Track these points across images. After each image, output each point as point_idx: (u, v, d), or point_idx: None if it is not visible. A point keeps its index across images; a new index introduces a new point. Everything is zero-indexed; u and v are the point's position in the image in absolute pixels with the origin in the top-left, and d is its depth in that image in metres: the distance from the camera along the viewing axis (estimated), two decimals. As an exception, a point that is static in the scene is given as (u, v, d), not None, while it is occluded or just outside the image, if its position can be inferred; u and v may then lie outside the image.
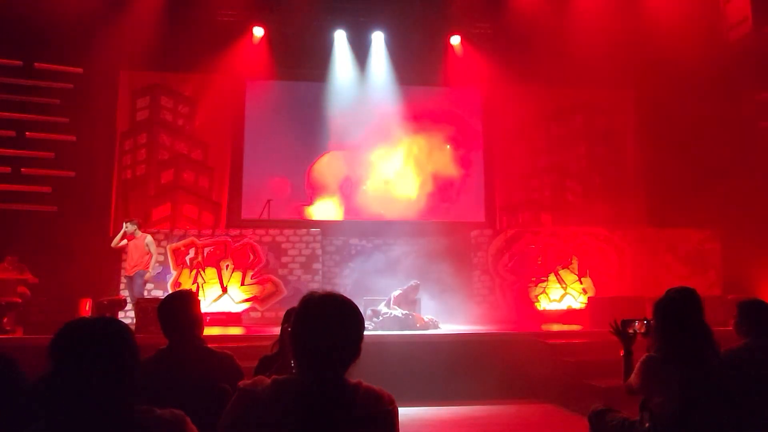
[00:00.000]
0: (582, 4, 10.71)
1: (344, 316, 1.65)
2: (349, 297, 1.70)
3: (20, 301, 8.06)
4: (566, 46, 10.41)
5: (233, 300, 9.59)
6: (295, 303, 1.79)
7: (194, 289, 9.26)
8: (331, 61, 11.49)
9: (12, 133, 10.09)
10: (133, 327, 7.58)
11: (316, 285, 9.52)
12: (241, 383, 1.64)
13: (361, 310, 1.72)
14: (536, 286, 10.06)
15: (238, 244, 9.71)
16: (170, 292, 4.65)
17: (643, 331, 3.16)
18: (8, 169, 10.00)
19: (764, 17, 9.61)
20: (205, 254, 9.65)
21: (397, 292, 8.12)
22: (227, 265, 9.64)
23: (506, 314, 9.84)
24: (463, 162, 11.86)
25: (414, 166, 11.69)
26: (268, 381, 1.61)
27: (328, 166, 11.54)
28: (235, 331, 8.15)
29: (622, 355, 3.22)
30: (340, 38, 11.53)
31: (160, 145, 11.05)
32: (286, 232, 9.88)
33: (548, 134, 12.10)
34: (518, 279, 10.07)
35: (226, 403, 1.64)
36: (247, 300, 9.63)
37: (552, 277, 10.12)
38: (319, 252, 9.93)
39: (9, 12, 9.35)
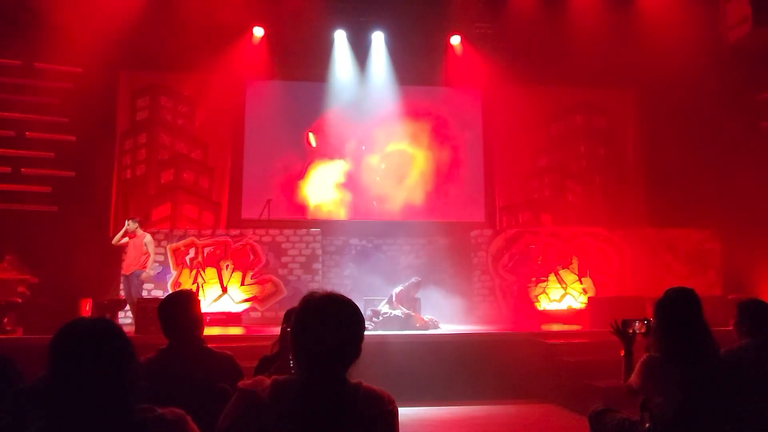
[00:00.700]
0: (582, 4, 10.71)
1: (344, 316, 1.65)
2: (349, 297, 1.70)
3: (20, 301, 8.07)
4: (566, 46, 10.42)
5: (233, 300, 9.59)
6: (295, 303, 1.79)
7: (194, 289, 9.26)
8: (331, 61, 11.49)
9: (12, 133, 10.08)
10: (132, 327, 7.61)
11: (316, 285, 9.52)
12: (240, 383, 1.64)
13: (361, 310, 1.72)
14: (536, 286, 10.06)
15: (238, 244, 9.71)
16: (170, 292, 4.65)
17: (643, 331, 3.16)
18: (8, 169, 10.00)
19: (764, 17, 9.61)
20: (205, 254, 9.65)
21: (398, 289, 8.13)
22: (227, 265, 9.64)
23: (506, 314, 9.84)
24: (463, 162, 11.86)
25: (414, 165, 11.69)
26: (268, 381, 1.61)
27: (327, 165, 11.53)
28: (235, 331, 8.15)
29: (623, 355, 3.22)
30: (340, 38, 11.53)
31: (160, 145, 11.05)
32: (286, 232, 9.88)
33: (548, 134, 12.10)
34: (518, 279, 10.07)
35: (226, 403, 1.64)
36: (247, 300, 9.63)
37: (552, 277, 10.12)
38: (319, 252, 9.93)
39: (9, 12, 9.35)
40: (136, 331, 7.22)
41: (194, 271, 9.59)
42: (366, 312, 7.77)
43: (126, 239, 8.45)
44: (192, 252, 9.63)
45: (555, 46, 10.54)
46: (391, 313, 7.79)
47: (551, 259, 10.18)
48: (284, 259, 9.74)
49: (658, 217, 11.05)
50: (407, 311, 7.84)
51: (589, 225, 10.71)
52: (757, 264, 9.76)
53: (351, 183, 11.45)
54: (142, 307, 7.32)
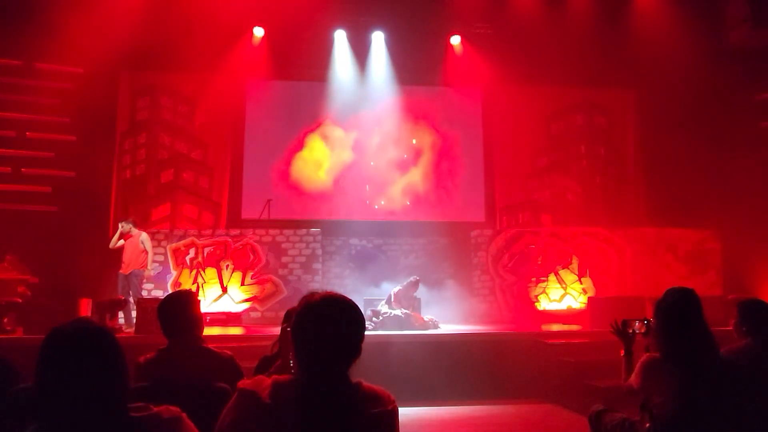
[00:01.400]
0: (582, 4, 10.71)
1: (344, 316, 1.65)
2: (349, 297, 1.70)
3: (20, 301, 8.06)
4: (566, 46, 10.41)
5: (233, 300, 9.59)
6: (295, 303, 1.79)
7: (194, 289, 9.26)
8: (331, 61, 11.49)
9: (12, 133, 10.08)
10: (131, 327, 7.62)
11: (316, 285, 9.52)
12: (240, 383, 1.64)
13: (361, 310, 1.71)
14: (536, 286, 10.06)
15: (238, 244, 9.71)
16: (170, 292, 4.65)
17: (643, 331, 3.16)
18: (8, 169, 10.00)
19: (764, 17, 9.62)
20: (205, 254, 9.65)
21: (396, 289, 8.14)
22: (227, 265, 9.64)
23: (506, 314, 9.84)
24: (463, 162, 11.86)
25: (414, 165, 11.69)
26: (268, 381, 1.60)
27: (327, 165, 11.53)
28: (235, 331, 8.15)
29: (623, 355, 3.21)
30: (340, 38, 11.53)
31: (159, 145, 11.05)
32: (286, 232, 9.88)
33: (548, 134, 12.10)
34: (518, 279, 10.07)
35: (226, 403, 1.64)
36: (247, 300, 9.62)
37: (552, 277, 10.12)
38: (319, 252, 9.92)
39: (9, 12, 9.35)
40: (136, 331, 7.22)
41: (194, 271, 9.59)
42: (366, 312, 7.77)
43: (122, 242, 8.45)
44: (192, 252, 9.63)
45: (555, 47, 10.53)
46: (390, 313, 7.79)
47: (551, 259, 10.18)
48: (284, 259, 9.74)
49: (658, 217, 11.05)
50: (407, 311, 7.84)
51: (589, 225, 10.71)
52: (757, 264, 9.77)
53: (351, 183, 11.45)
54: (142, 307, 7.32)
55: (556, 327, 8.68)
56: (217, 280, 9.61)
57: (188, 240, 9.68)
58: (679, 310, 2.68)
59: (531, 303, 9.97)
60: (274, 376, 1.64)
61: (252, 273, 9.67)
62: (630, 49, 10.54)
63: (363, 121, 11.49)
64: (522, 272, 10.09)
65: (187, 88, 11.23)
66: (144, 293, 8.99)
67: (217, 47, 10.58)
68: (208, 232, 10.00)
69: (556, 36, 10.58)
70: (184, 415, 1.60)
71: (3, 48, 9.87)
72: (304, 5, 10.29)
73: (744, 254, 9.82)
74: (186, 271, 9.58)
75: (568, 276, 10.16)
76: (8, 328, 7.45)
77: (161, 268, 9.46)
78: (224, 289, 9.60)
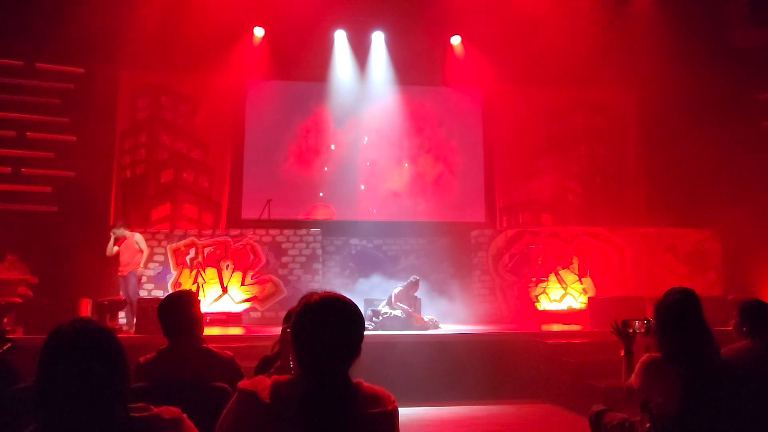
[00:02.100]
0: (582, 4, 10.71)
1: (344, 316, 1.65)
2: (348, 297, 1.70)
3: (20, 301, 8.06)
4: (566, 46, 10.41)
5: (233, 300, 9.59)
6: (295, 303, 1.79)
7: (194, 289, 9.26)
8: (331, 61, 11.49)
9: (12, 133, 10.09)
10: (131, 327, 7.62)
11: (316, 285, 9.52)
12: (240, 384, 1.64)
13: (361, 310, 1.71)
14: (536, 286, 10.06)
15: (238, 244, 9.71)
16: (170, 292, 4.65)
17: (643, 331, 3.16)
18: (8, 169, 10.01)
19: (764, 17, 9.62)
20: (205, 254, 9.65)
21: (397, 289, 8.13)
22: (227, 265, 9.64)
23: (506, 314, 9.83)
24: (464, 162, 11.86)
25: (414, 165, 11.69)
26: (268, 381, 1.60)
27: (327, 165, 11.54)
28: (235, 331, 8.15)
29: (623, 355, 3.21)
30: (340, 38, 11.53)
31: (159, 144, 11.05)
32: (286, 232, 9.88)
33: (548, 134, 12.10)
34: (518, 279, 10.07)
35: (226, 403, 1.64)
36: (247, 300, 9.62)
37: (552, 277, 10.12)
38: (319, 252, 9.92)
39: (9, 12, 9.35)
40: (136, 331, 7.22)
41: (194, 271, 9.59)
42: (366, 312, 7.77)
43: (116, 248, 8.45)
44: (192, 252, 9.63)
45: (555, 47, 10.53)
46: (390, 313, 7.79)
47: (551, 259, 10.18)
48: (284, 259, 9.74)
49: (658, 217, 11.04)
50: (406, 308, 7.83)
51: (589, 225, 10.71)
52: (757, 264, 9.77)
53: (351, 183, 11.45)
54: (142, 307, 7.32)
55: (556, 327, 8.67)
56: (217, 280, 9.61)
57: (188, 240, 9.68)
58: (679, 310, 2.68)
59: (531, 303, 9.97)
60: (274, 377, 1.64)
61: (252, 273, 9.67)
62: (630, 49, 10.54)
63: (363, 121, 11.48)
64: (522, 272, 10.09)
65: (187, 88, 11.23)
66: (144, 293, 9.00)
67: (217, 47, 10.59)
68: (208, 232, 10.00)
69: (556, 36, 10.57)
70: (184, 416, 1.60)
71: (3, 48, 9.87)
72: (304, 5, 10.29)
73: (744, 254, 9.82)
74: (186, 271, 9.58)
75: (569, 276, 10.16)
76: (8, 328, 7.44)
77: (161, 268, 9.46)
78: (224, 289, 9.60)
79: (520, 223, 11.64)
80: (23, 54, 10.10)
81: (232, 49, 10.91)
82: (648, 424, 2.63)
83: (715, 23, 10.43)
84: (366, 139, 11.57)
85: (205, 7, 9.91)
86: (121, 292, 8.43)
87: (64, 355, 1.47)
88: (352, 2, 11.04)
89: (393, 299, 8.00)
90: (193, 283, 9.48)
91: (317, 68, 11.37)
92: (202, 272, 9.59)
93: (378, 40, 11.60)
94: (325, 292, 1.69)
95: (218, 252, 9.68)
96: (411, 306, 8.05)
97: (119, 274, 8.50)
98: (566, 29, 10.50)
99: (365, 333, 1.70)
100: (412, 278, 8.38)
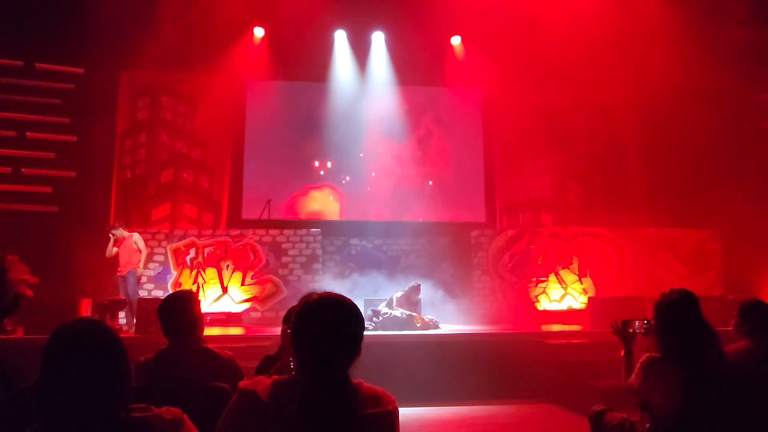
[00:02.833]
0: (582, 4, 10.70)
1: (344, 316, 1.65)
2: (348, 297, 1.70)
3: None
4: (566, 46, 10.40)
5: (233, 300, 9.59)
6: (295, 303, 1.79)
7: (194, 289, 9.26)
8: (331, 61, 11.49)
9: (12, 133, 10.09)
10: (131, 327, 7.61)
11: (316, 285, 9.52)
12: (241, 384, 1.64)
13: (361, 310, 1.71)
14: (536, 286, 10.06)
15: (238, 244, 9.71)
16: (170, 292, 4.65)
17: (643, 331, 3.16)
18: (8, 169, 10.00)
19: (764, 17, 9.62)
20: (205, 254, 9.65)
21: (398, 294, 8.14)
22: (227, 265, 9.64)
23: (506, 314, 9.83)
24: (464, 162, 11.85)
25: (414, 164, 11.68)
26: (268, 381, 1.61)
27: (327, 166, 11.53)
28: (235, 331, 8.16)
29: (623, 355, 3.21)
30: (340, 38, 11.53)
31: (159, 144, 11.05)
32: (286, 232, 9.88)
33: (548, 134, 12.09)
34: (518, 279, 10.07)
35: (226, 403, 1.64)
36: (247, 300, 9.63)
37: (552, 277, 10.12)
38: (319, 252, 9.93)
39: (9, 12, 9.35)
40: (136, 331, 7.22)
41: (194, 271, 9.59)
42: (366, 312, 7.77)
43: (115, 249, 8.46)
44: (192, 252, 9.63)
45: (555, 47, 10.52)
46: (391, 313, 7.80)
47: (551, 259, 10.18)
48: (284, 259, 9.74)
49: (658, 217, 11.05)
50: (407, 312, 7.84)
51: (589, 225, 10.71)
52: (757, 264, 9.76)
53: (350, 183, 11.45)
54: (142, 307, 7.32)
55: (556, 327, 8.68)
56: (217, 280, 9.61)
57: (188, 240, 9.69)
58: (678, 310, 2.68)
59: (531, 303, 9.98)
60: (274, 376, 1.64)
61: (252, 273, 9.67)
62: (630, 49, 10.53)
63: (363, 121, 11.48)
64: (522, 272, 10.09)
65: (187, 88, 11.23)
66: (144, 293, 9.00)
67: (217, 47, 10.59)
68: (209, 232, 10.00)
69: (556, 36, 10.56)
70: (185, 416, 1.60)
71: (3, 48, 9.87)
72: (304, 5, 10.28)
73: (744, 254, 9.81)
74: (186, 271, 9.59)
75: (569, 276, 10.16)
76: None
77: (162, 268, 9.46)
78: (224, 289, 9.60)
79: (520, 223, 11.63)
80: (23, 54, 10.09)
81: (232, 49, 10.91)
82: (648, 424, 2.63)
83: (715, 23, 10.42)
84: (366, 139, 11.56)
85: (205, 7, 9.91)
86: (120, 293, 8.43)
87: (67, 354, 1.47)
88: (352, 2, 11.03)
89: (394, 303, 8.00)
90: (193, 283, 9.48)
91: (317, 68, 11.37)
92: (202, 272, 9.59)
93: (378, 40, 11.60)
94: (325, 292, 1.69)
95: (218, 252, 9.68)
96: (412, 309, 8.06)
97: (118, 274, 8.50)
98: (566, 29, 10.49)
99: (365, 333, 1.70)
100: (413, 283, 8.39)
